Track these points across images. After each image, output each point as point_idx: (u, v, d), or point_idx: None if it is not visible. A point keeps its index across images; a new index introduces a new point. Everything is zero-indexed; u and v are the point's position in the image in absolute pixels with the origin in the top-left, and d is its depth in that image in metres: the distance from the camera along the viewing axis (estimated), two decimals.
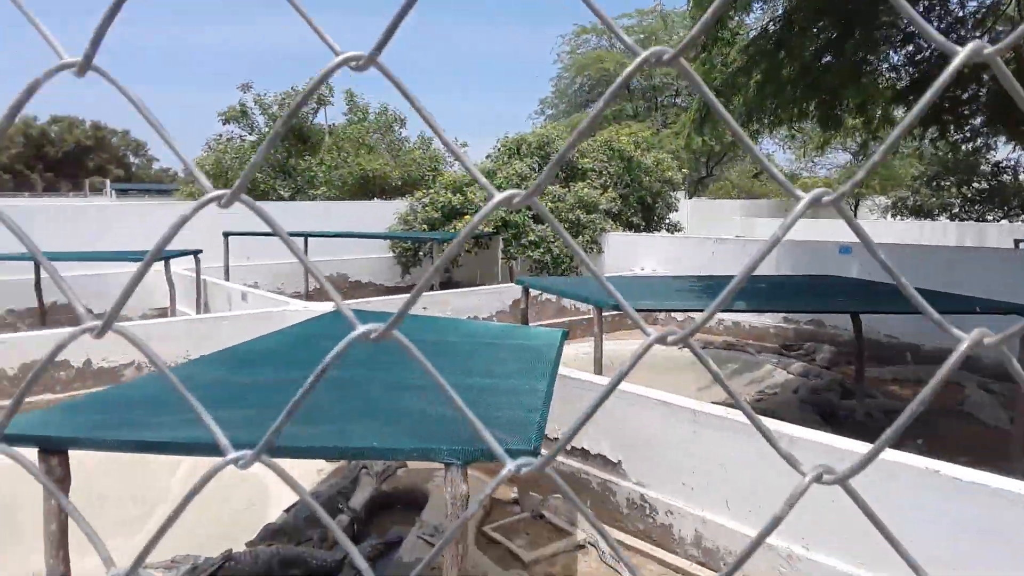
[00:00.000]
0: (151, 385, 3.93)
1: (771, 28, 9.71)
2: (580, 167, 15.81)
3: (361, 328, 0.56)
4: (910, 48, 10.56)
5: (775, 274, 11.27)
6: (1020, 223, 21.86)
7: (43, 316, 11.02)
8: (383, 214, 15.87)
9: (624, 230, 15.47)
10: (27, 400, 4.21)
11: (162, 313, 10.93)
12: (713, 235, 16.52)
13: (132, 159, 61.90)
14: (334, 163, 19.52)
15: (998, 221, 22.34)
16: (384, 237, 14.31)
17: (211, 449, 2.89)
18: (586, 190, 14.98)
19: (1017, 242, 16.02)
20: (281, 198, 18.81)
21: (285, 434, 2.47)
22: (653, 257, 13.58)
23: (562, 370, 5.42)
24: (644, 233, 15.85)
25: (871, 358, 9.26)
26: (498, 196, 0.57)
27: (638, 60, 0.54)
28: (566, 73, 35.48)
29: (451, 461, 2.72)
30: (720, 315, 11.66)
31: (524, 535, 4.87)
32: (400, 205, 16.08)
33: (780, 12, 9.71)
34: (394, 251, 15.44)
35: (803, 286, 8.31)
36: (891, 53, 10.94)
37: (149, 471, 5.17)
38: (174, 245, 11.28)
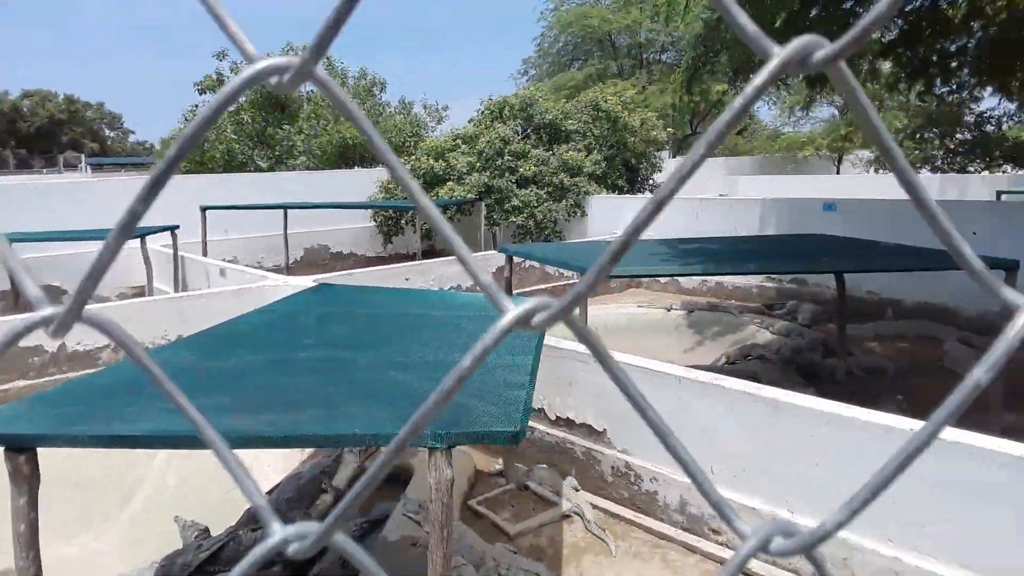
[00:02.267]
0: (126, 371, 3.86)
1: None
2: (564, 129, 15.62)
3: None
4: None
5: (759, 234, 11.25)
6: (1001, 174, 21.90)
7: (16, 299, 10.83)
8: (364, 183, 15.65)
9: (609, 193, 15.36)
10: (0, 388, 4.10)
11: (139, 292, 10.80)
12: (697, 195, 16.46)
13: (107, 132, 60.66)
14: (313, 131, 19.18)
15: (979, 172, 22.38)
16: (365, 207, 14.14)
17: (188, 441, 2.83)
18: (570, 153, 14.82)
19: (999, 193, 16.06)
20: (260, 169, 18.51)
21: (260, 423, 2.37)
22: None
23: (548, 339, 5.39)
24: (628, 195, 15.75)
25: (853, 314, 9.31)
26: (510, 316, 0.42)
27: (775, 64, 0.37)
28: (550, 31, 34.85)
29: (434, 446, 2.68)
30: (704, 276, 11.65)
31: (510, 507, 4.88)
32: (381, 173, 15.86)
33: None
34: (376, 220, 15.28)
35: (787, 246, 8.28)
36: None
37: (127, 457, 5.11)
38: (150, 221, 11.10)
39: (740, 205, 12.59)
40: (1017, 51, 9.75)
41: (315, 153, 18.73)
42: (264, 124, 19.43)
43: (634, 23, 30.67)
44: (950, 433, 3.74)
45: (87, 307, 0.44)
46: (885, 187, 20.23)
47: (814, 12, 9.94)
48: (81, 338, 6.60)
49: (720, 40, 9.79)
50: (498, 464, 5.48)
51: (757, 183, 21.99)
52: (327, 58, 21.94)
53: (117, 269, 11.74)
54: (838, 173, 27.74)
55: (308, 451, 5.44)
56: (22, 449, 2.71)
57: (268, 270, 9.91)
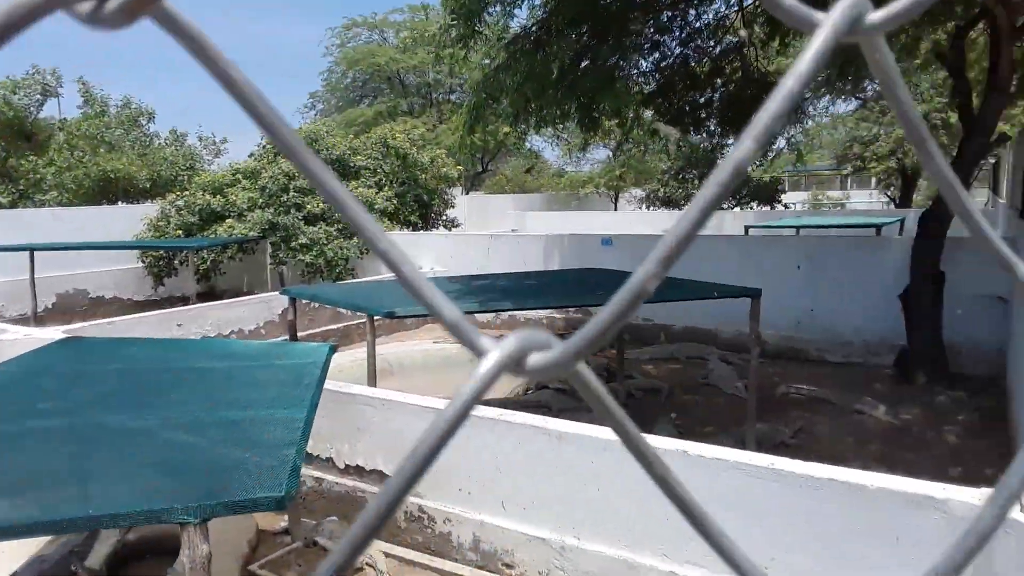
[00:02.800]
0: None
1: (532, 28, 10.06)
2: (353, 165, 15.38)
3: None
4: (656, 55, 11.51)
5: (544, 269, 11.79)
6: (749, 210, 25.02)
7: None
8: (129, 220, 14.23)
9: (402, 229, 15.32)
10: None
11: None
12: (489, 230, 16.94)
13: None
14: (67, 163, 17.11)
15: (732, 209, 25.40)
16: (131, 247, 12.82)
17: None
18: (360, 189, 14.60)
19: (747, 228, 18.27)
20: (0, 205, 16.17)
21: None
22: (432, 256, 13.58)
23: (331, 384, 5.15)
24: (422, 232, 15.83)
25: (630, 340, 10.01)
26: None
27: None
28: (337, 67, 34.44)
29: (186, 520, 2.40)
30: (496, 312, 11.96)
31: (296, 567, 4.56)
32: (150, 209, 14.53)
33: (541, 14, 10.06)
34: (144, 260, 13.90)
35: (569, 280, 8.73)
36: (640, 60, 11.85)
37: None
38: None
39: (527, 241, 13.14)
40: (750, 105, 11.21)
41: (69, 187, 16.72)
42: (5, 154, 17.04)
43: (421, 64, 31.25)
44: (713, 451, 4.07)
45: None
46: (655, 222, 22.24)
47: (584, 64, 10.73)
48: None
49: (499, 87, 10.24)
50: (283, 522, 5.10)
51: (545, 219, 23.16)
52: (83, 83, 19.86)
53: None
54: (615, 209, 30.06)
55: None
56: None
57: (11, 321, 8.60)
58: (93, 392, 4.13)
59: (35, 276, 11.38)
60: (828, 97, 19.69)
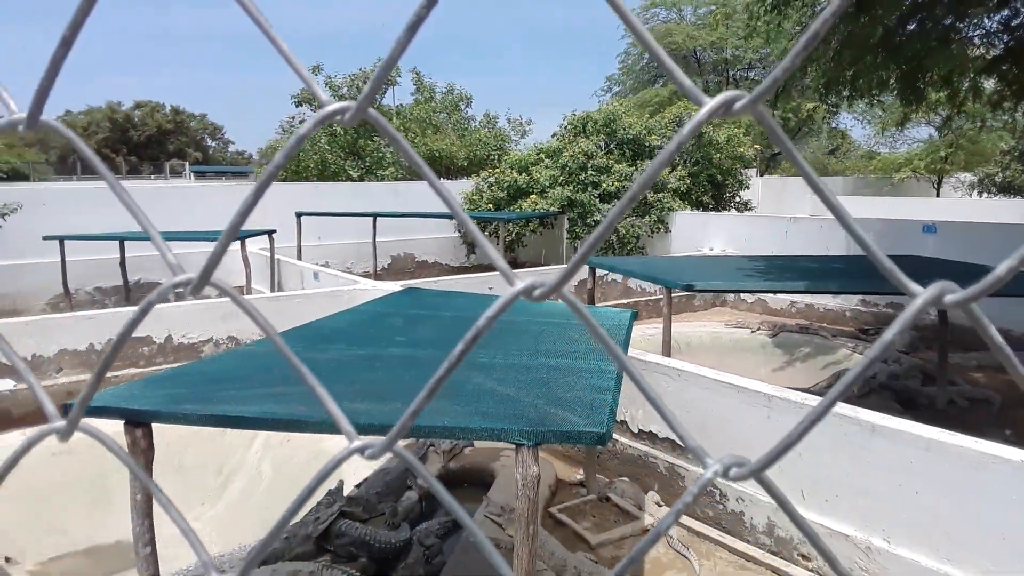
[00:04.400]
0: (229, 361, 4.05)
1: None
2: (648, 145, 15.51)
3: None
4: (1005, 12, 9.86)
5: (850, 254, 10.84)
6: None
7: (128, 294, 11.52)
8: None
9: (693, 209, 15.13)
10: (112, 374, 4.39)
11: (238, 291, 11.32)
12: (786, 214, 15.99)
13: (209, 142, 64.06)
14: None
15: None
16: (450, 217, 14.42)
17: (286, 424, 2.95)
18: None
19: None
20: (351, 178, 19.17)
21: (356, 411, 2.46)
22: (723, 237, 13.25)
23: (632, 351, 5.35)
24: (714, 212, 15.46)
25: (954, 343, 8.81)
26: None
27: (705, 110, 0.45)
28: (633, 48, 34.73)
29: (522, 442, 2.71)
30: (793, 297, 11.30)
31: (590, 517, 4.84)
32: (466, 184, 16.15)
33: None
34: (460, 231, 15.55)
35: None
36: (984, 18, 10.24)
37: (226, 444, 5.36)
38: (249, 225, 11.64)
39: (831, 225, 12.16)
40: None
41: (402, 164, 19.27)
42: (355, 136, 20.12)
43: (720, 40, 30.20)
44: None
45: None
46: (989, 211, 19.15)
47: (911, 27, 9.58)
48: (187, 331, 6.97)
49: (809, 56, 9.54)
50: (579, 474, 5.45)
51: (853, 204, 21.19)
52: (416, 73, 22.61)
53: (218, 270, 12.35)
54: (937, 195, 26.43)
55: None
56: (139, 424, 2.90)
57: (358, 275, 10.22)
58: (432, 331, 4.78)
59: (376, 239, 13.40)
60: None
